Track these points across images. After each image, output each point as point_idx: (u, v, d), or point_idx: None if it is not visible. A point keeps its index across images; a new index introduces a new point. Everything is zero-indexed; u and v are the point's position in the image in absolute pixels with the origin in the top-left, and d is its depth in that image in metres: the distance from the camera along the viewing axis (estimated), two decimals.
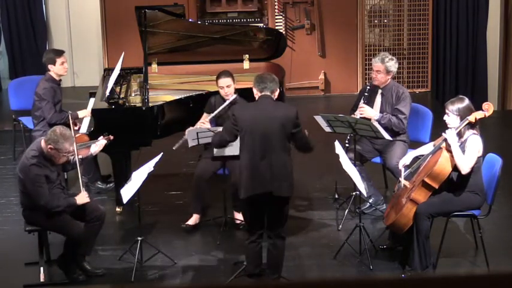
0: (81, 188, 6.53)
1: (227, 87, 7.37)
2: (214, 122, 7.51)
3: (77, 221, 6.51)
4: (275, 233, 6.27)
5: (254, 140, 6.09)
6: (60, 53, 8.00)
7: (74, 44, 11.51)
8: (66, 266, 6.58)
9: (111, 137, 6.89)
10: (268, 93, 6.19)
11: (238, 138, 6.24)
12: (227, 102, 7.39)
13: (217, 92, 7.54)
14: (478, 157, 6.41)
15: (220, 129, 6.63)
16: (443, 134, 6.49)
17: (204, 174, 7.35)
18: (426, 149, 6.80)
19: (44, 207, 6.29)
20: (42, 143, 6.33)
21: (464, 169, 6.34)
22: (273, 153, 6.05)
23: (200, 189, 7.38)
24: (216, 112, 7.43)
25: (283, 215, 6.25)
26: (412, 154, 6.84)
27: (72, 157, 6.50)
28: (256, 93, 6.26)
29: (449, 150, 6.44)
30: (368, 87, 7.58)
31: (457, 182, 6.46)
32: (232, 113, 6.26)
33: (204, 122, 7.44)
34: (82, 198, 6.44)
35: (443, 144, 6.51)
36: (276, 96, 6.26)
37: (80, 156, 6.57)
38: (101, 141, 6.83)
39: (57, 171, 6.45)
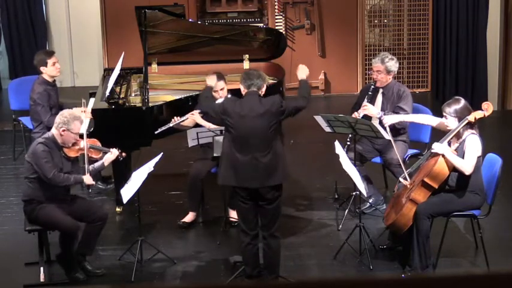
0: (87, 172, 6.57)
1: (221, 90, 7.36)
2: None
3: (75, 220, 6.51)
4: (268, 233, 6.27)
5: (238, 136, 6.12)
6: (50, 53, 7.98)
7: (74, 44, 11.51)
8: (67, 263, 6.57)
9: (124, 154, 6.86)
10: (255, 90, 6.20)
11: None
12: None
13: None
14: (478, 157, 6.40)
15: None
16: (431, 150, 6.48)
17: (199, 174, 7.38)
18: (425, 119, 6.89)
19: (53, 180, 6.35)
20: (54, 130, 6.47)
21: (467, 170, 6.33)
22: (258, 151, 6.07)
23: (195, 188, 7.41)
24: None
25: (274, 213, 6.24)
26: (400, 117, 6.92)
27: (83, 160, 6.56)
28: (243, 90, 6.26)
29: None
30: (372, 87, 7.56)
31: (456, 182, 6.46)
32: (223, 106, 6.25)
33: (194, 113, 7.39)
34: (88, 179, 6.54)
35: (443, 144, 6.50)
36: (263, 93, 6.27)
37: (92, 159, 6.65)
38: (114, 152, 6.74)
39: (64, 167, 6.49)
